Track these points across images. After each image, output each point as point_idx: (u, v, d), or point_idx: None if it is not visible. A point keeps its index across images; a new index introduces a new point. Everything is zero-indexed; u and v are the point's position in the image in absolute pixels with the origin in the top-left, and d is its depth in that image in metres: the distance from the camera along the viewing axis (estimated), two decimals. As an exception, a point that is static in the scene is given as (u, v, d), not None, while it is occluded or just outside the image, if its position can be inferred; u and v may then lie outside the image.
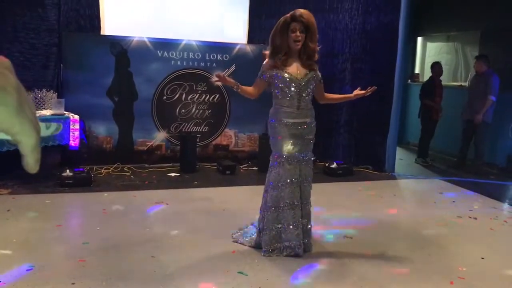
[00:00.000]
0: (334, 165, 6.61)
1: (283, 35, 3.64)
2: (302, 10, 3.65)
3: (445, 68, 9.00)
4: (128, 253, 3.71)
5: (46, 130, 5.11)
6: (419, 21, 8.88)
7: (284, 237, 3.71)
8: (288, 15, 3.67)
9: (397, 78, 6.77)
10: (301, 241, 3.74)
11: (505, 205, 5.58)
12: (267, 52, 3.80)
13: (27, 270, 3.33)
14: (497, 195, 5.93)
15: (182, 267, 3.48)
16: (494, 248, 4.17)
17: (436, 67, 7.77)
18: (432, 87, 7.72)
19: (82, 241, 3.89)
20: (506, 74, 7.05)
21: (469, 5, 8.09)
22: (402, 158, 7.95)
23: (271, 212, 3.74)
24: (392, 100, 6.79)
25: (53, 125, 5.41)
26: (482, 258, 3.91)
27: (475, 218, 4.96)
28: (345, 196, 5.70)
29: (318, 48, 3.74)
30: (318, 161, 6.75)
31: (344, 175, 6.55)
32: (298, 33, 3.62)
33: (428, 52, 9.70)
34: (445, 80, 8.41)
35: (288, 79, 3.67)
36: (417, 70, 9.84)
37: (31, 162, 0.70)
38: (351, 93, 6.98)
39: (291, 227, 3.70)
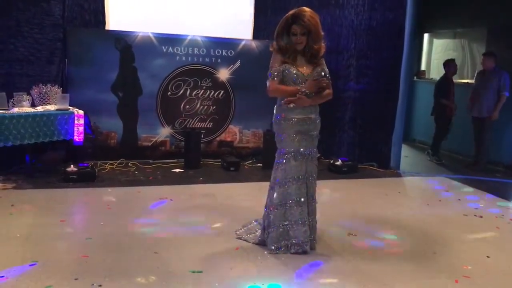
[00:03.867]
0: (339, 162, 6.58)
1: (286, 36, 3.59)
2: (304, 10, 3.56)
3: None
4: (131, 249, 3.70)
5: None
6: (425, 17, 8.81)
7: (292, 234, 3.70)
8: (289, 14, 3.59)
9: (402, 75, 6.73)
10: (309, 238, 3.72)
11: (511, 204, 5.53)
12: (274, 45, 3.71)
13: (30, 265, 3.32)
14: (503, 193, 5.88)
15: (185, 263, 3.47)
16: (499, 247, 4.13)
17: (451, 65, 7.70)
18: (446, 85, 7.67)
19: (85, 237, 3.89)
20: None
21: (476, 2, 8.01)
22: (407, 156, 7.91)
23: (278, 210, 3.72)
24: (397, 97, 6.75)
25: None
26: (488, 257, 3.87)
27: (481, 217, 4.93)
28: (349, 193, 5.67)
29: (323, 45, 3.70)
30: (322, 158, 6.73)
31: (349, 172, 6.51)
32: (298, 36, 3.58)
33: (435, 49, 9.65)
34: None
35: (295, 75, 3.65)
36: (423, 67, 9.78)
37: None
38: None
39: (298, 224, 3.68)
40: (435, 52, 9.63)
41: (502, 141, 7.29)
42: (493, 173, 6.95)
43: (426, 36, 9.71)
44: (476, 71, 7.86)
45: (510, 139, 7.10)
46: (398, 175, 6.73)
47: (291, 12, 3.61)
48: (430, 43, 9.73)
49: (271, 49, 3.75)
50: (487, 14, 7.84)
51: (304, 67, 3.68)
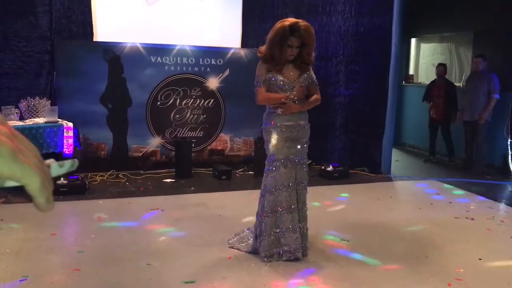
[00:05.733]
0: (330, 168, 6.59)
1: (281, 47, 3.56)
2: (302, 24, 3.54)
3: (439, 68, 9.03)
4: (123, 261, 3.68)
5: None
6: (412, 22, 8.88)
7: (283, 241, 3.69)
8: (287, 24, 3.53)
9: (391, 79, 6.77)
10: (300, 245, 3.72)
11: (502, 205, 5.58)
12: (262, 49, 3.70)
13: (21, 281, 3.29)
14: (494, 195, 5.92)
15: (177, 274, 3.45)
16: (491, 249, 4.15)
17: (437, 68, 7.93)
18: (430, 88, 7.90)
19: (76, 250, 3.86)
20: (499, 74, 7.06)
21: (462, 6, 8.10)
22: (398, 160, 7.95)
23: (269, 217, 3.71)
24: (386, 101, 6.79)
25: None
26: (480, 259, 3.89)
27: (472, 219, 4.95)
28: (341, 199, 5.68)
29: (314, 54, 3.71)
30: (314, 164, 6.74)
31: (340, 177, 6.52)
32: (294, 49, 3.58)
33: (422, 53, 9.72)
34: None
35: (281, 82, 3.66)
36: (411, 72, 9.85)
37: (41, 201, 0.72)
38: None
39: (290, 231, 3.68)
40: (423, 56, 9.71)
41: (492, 143, 7.34)
42: (484, 175, 6.99)
43: (413, 40, 9.79)
44: (465, 75, 7.94)
45: (500, 141, 7.16)
46: (389, 179, 6.76)
47: (286, 23, 3.55)
48: (418, 47, 9.81)
49: (258, 54, 3.75)
50: (473, 18, 7.92)
51: (291, 73, 3.70)
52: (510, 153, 6.76)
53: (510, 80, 6.97)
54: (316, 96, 3.80)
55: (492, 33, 7.58)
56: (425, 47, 9.64)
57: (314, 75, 3.79)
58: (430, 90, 7.88)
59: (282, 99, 3.64)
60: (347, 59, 7.04)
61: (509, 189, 6.39)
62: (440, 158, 8.11)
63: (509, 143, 6.79)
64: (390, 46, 6.69)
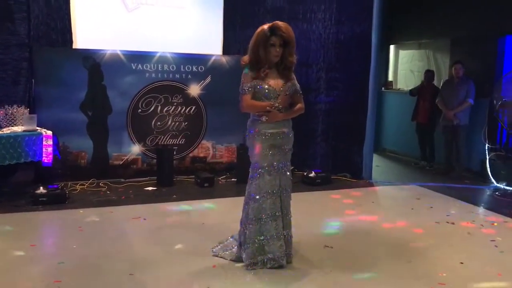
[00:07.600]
0: (312, 174, 6.62)
1: (264, 48, 3.59)
2: (280, 23, 3.59)
3: (417, 75, 9.19)
4: (105, 271, 3.62)
5: None
6: (391, 29, 9.02)
7: (267, 249, 3.68)
8: (266, 27, 3.59)
9: (371, 86, 6.84)
10: (285, 252, 3.72)
11: (481, 209, 5.66)
12: (245, 58, 3.72)
13: (0, 293, 3.22)
14: (473, 199, 6.02)
15: (161, 284, 3.41)
16: (472, 252, 4.21)
17: (425, 74, 8.19)
18: (420, 88, 8.21)
19: (57, 261, 3.78)
20: (476, 81, 7.19)
21: (439, 14, 8.26)
22: (378, 165, 8.02)
23: (253, 225, 3.70)
24: (367, 108, 6.86)
25: None
26: (461, 263, 3.94)
27: (453, 223, 5.02)
28: (324, 205, 5.70)
29: (295, 57, 3.73)
30: (296, 170, 6.76)
31: (322, 183, 6.56)
32: (277, 48, 3.60)
33: (401, 60, 9.86)
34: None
35: (267, 90, 3.67)
36: (390, 78, 9.98)
37: None
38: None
39: (274, 238, 3.68)
40: (401, 63, 9.85)
41: (470, 148, 7.46)
42: (463, 180, 7.10)
43: (392, 47, 9.92)
44: (442, 80, 8.07)
45: (478, 146, 7.27)
46: (371, 184, 6.81)
47: (265, 25, 3.61)
48: (396, 54, 9.94)
49: (242, 63, 3.75)
50: (450, 25, 8.08)
51: (276, 82, 3.71)
52: (487, 158, 6.87)
53: (486, 86, 7.11)
54: (300, 105, 3.82)
55: (468, 40, 7.73)
56: (404, 53, 9.79)
57: (298, 85, 3.81)
58: (419, 91, 8.11)
59: (267, 107, 3.65)
60: (328, 66, 7.11)
61: (488, 193, 6.50)
62: (418, 162, 8.25)
63: (486, 148, 6.91)
64: (369, 53, 6.77)
